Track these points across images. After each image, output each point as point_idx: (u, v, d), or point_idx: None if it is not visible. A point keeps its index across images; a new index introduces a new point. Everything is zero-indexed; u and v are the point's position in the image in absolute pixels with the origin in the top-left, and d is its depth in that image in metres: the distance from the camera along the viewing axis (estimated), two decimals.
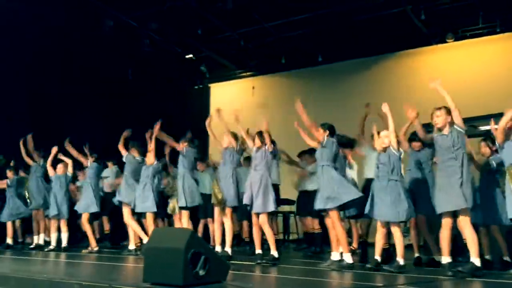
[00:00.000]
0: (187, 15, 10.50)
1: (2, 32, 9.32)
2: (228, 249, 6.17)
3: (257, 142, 6.04)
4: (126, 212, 7.17)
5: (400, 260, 5.07)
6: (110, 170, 9.06)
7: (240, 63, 12.93)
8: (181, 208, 6.73)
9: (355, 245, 6.81)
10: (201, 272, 3.71)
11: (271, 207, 5.88)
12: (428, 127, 5.51)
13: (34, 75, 10.35)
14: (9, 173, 8.54)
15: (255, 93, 12.90)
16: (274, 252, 5.85)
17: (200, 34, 10.83)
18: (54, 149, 7.99)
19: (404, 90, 10.95)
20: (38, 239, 8.35)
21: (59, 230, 7.85)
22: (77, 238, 9.02)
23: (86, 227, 7.67)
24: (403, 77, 11.20)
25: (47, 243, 8.18)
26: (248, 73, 13.24)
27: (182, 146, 6.76)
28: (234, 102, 13.51)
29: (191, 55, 12.81)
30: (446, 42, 10.50)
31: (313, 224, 7.54)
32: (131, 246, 7.22)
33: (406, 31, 10.56)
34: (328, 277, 4.82)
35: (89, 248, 7.54)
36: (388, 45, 11.10)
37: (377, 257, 5.25)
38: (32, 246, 8.28)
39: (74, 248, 7.82)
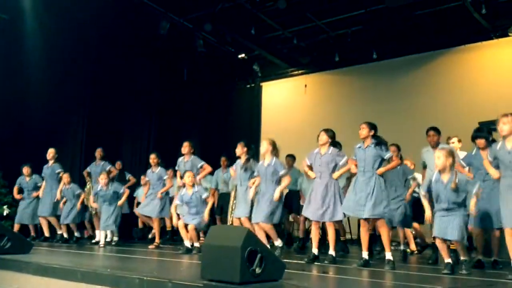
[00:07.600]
0: (240, 16, 10.61)
1: (64, 36, 9.80)
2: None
3: None
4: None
5: None
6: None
7: (292, 61, 12.91)
8: None
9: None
10: (258, 270, 3.74)
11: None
12: (491, 124, 5.28)
13: (93, 79, 10.85)
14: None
15: (308, 91, 12.84)
16: (332, 252, 5.80)
17: (253, 33, 10.91)
18: None
19: (463, 86, 10.59)
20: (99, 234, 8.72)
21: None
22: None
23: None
24: (461, 73, 10.81)
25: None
26: (300, 71, 13.19)
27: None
28: (286, 100, 13.56)
29: (243, 55, 12.94)
30: (508, 35, 10.07)
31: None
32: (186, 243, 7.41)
33: (465, 25, 10.20)
34: (383, 278, 4.74)
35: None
36: (445, 40, 10.74)
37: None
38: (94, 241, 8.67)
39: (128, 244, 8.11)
